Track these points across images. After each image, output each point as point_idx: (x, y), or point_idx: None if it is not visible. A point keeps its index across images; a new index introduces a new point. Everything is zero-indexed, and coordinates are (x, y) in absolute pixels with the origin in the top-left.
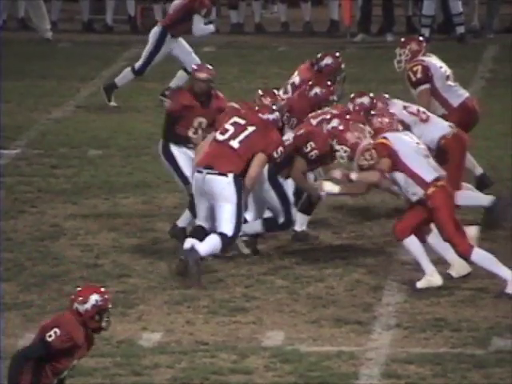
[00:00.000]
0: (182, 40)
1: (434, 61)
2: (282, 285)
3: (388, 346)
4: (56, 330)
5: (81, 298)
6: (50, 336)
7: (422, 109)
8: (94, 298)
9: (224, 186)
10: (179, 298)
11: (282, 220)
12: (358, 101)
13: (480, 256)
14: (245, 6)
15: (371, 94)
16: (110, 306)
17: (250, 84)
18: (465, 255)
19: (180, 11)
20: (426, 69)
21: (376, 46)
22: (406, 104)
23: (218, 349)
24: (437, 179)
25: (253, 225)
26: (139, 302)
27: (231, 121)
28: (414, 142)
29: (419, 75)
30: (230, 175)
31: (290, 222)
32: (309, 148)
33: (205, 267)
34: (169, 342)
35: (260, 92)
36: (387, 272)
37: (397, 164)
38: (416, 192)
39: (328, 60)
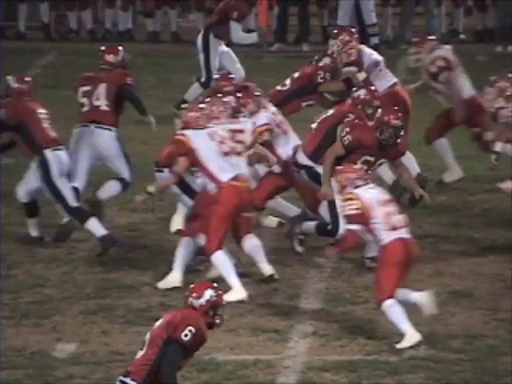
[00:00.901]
0: (229, 50)
1: (366, 48)
2: None
3: (305, 354)
4: (191, 328)
5: (195, 294)
6: (186, 335)
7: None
8: (209, 293)
9: None
10: (94, 307)
11: (329, 227)
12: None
13: (220, 259)
14: (161, 14)
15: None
16: (224, 302)
17: (167, 93)
18: (207, 252)
19: (218, 12)
20: (359, 54)
21: (292, 55)
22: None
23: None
24: (233, 178)
25: (310, 225)
26: (53, 312)
27: None
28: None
29: (353, 57)
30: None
31: (337, 228)
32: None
33: (123, 277)
34: (84, 352)
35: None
36: (304, 280)
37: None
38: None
39: (326, 60)
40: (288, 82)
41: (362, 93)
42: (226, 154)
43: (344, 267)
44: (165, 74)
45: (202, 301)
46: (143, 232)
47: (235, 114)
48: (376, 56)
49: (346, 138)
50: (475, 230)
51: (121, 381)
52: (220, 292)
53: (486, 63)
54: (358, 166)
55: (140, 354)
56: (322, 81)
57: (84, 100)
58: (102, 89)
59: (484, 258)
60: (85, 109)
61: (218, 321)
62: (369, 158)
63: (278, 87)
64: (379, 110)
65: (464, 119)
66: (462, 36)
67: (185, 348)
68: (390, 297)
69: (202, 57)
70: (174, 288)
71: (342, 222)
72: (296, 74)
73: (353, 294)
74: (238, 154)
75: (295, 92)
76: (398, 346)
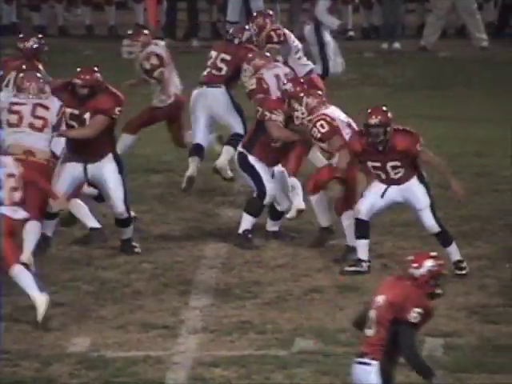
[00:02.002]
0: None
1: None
2: (88, 290)
3: (194, 350)
4: (418, 310)
5: (416, 264)
6: (415, 317)
7: None
8: (429, 263)
9: None
10: None
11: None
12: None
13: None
14: (47, 8)
15: None
16: (445, 271)
17: None
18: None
19: None
20: (285, 36)
21: (182, 50)
22: None
23: (20, 357)
24: None
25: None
26: None
27: None
28: None
29: (275, 39)
30: None
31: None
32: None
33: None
34: None
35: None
36: (194, 276)
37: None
38: None
39: (247, 34)
40: (222, 65)
41: (288, 86)
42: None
43: (235, 262)
44: (51, 69)
45: (423, 271)
46: None
47: None
48: (297, 42)
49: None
50: None
51: (360, 362)
52: (440, 262)
53: (373, 59)
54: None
55: (369, 333)
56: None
57: None
58: None
59: (371, 252)
60: None
61: (439, 291)
62: (372, 163)
63: (214, 71)
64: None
65: (166, 116)
66: (351, 33)
67: (416, 327)
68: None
69: (315, 49)
70: (63, 286)
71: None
72: (228, 57)
73: (243, 290)
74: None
75: (234, 74)
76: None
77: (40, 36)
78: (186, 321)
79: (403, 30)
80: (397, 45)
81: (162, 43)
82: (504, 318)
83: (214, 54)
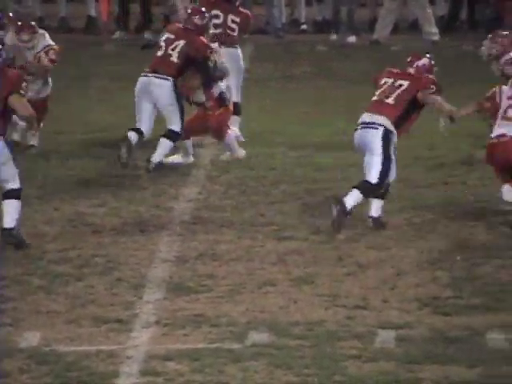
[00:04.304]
0: None
1: None
2: (40, 285)
3: (147, 344)
4: None
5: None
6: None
7: None
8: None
9: None
10: None
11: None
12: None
13: None
14: None
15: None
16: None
17: None
18: None
19: None
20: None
21: (134, 43)
22: None
23: None
24: None
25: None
26: None
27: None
28: None
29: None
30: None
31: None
32: None
33: None
34: None
35: None
36: (148, 269)
37: None
38: None
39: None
40: (174, 53)
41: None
42: None
43: (189, 255)
44: None
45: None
46: None
47: None
48: None
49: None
50: (318, 217)
51: None
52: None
53: (325, 53)
54: None
55: None
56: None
57: None
58: None
59: (326, 244)
60: None
61: None
62: None
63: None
64: None
65: None
66: (304, 26)
67: None
68: None
69: None
70: (14, 280)
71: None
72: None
73: (197, 283)
74: None
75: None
76: None
77: None
78: (140, 314)
79: (351, 23)
80: (352, 38)
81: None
82: (455, 309)
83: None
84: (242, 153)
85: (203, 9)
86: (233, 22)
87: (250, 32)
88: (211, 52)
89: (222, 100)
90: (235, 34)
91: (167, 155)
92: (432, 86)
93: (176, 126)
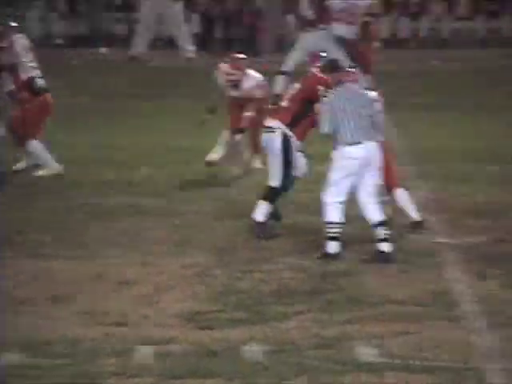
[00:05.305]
0: None
1: None
2: None
3: None
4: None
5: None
6: None
7: None
8: None
9: None
10: None
11: None
12: None
13: None
14: None
15: None
16: None
17: None
18: None
19: None
20: None
21: None
22: None
23: None
24: None
25: None
26: None
27: None
28: None
29: None
30: None
31: None
32: None
33: None
34: None
35: None
36: None
37: None
38: None
39: None
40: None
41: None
42: None
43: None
44: None
45: None
46: None
47: None
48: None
49: None
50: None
51: None
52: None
53: (80, 67)
54: None
55: None
56: None
57: None
58: None
59: (86, 261)
60: None
61: None
62: None
63: None
64: None
65: None
66: (59, 40)
67: None
68: None
69: None
70: None
71: None
72: None
73: None
74: None
75: None
76: None
77: None
78: None
79: (111, 38)
80: (103, 50)
81: None
82: (216, 323)
83: None
84: None
85: None
86: None
87: None
88: None
89: None
90: None
91: None
92: None
93: None
